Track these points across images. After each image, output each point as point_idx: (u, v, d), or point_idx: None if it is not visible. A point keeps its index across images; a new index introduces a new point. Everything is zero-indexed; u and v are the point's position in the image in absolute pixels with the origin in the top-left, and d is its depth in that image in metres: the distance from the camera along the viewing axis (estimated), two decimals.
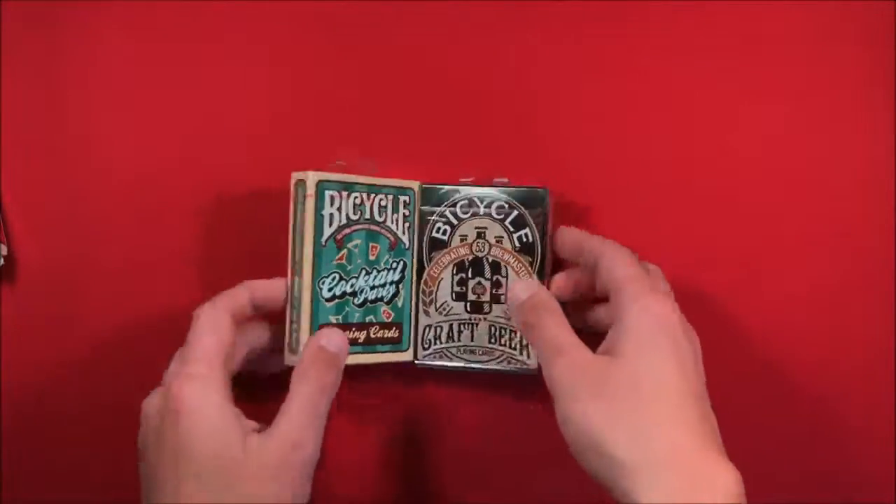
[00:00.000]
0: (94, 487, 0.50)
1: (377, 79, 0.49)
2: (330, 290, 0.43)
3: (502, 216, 0.45)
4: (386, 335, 0.45)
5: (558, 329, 0.40)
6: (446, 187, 0.46)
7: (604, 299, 0.43)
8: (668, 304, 0.39)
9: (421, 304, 0.46)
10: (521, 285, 0.43)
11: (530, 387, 0.45)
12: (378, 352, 0.45)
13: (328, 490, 0.46)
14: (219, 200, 0.49)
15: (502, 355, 0.45)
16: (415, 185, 0.46)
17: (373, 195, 0.44)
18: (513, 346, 0.45)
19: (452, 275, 0.46)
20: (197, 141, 0.50)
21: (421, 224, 0.46)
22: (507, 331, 0.45)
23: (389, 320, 0.46)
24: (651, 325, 0.38)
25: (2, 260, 0.49)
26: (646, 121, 0.47)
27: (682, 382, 0.37)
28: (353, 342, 0.44)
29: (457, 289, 0.46)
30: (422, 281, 0.46)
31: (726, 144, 0.47)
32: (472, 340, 0.45)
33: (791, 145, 0.47)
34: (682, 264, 0.46)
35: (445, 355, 0.46)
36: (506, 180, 0.45)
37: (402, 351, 0.46)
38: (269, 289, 0.44)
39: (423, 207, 0.46)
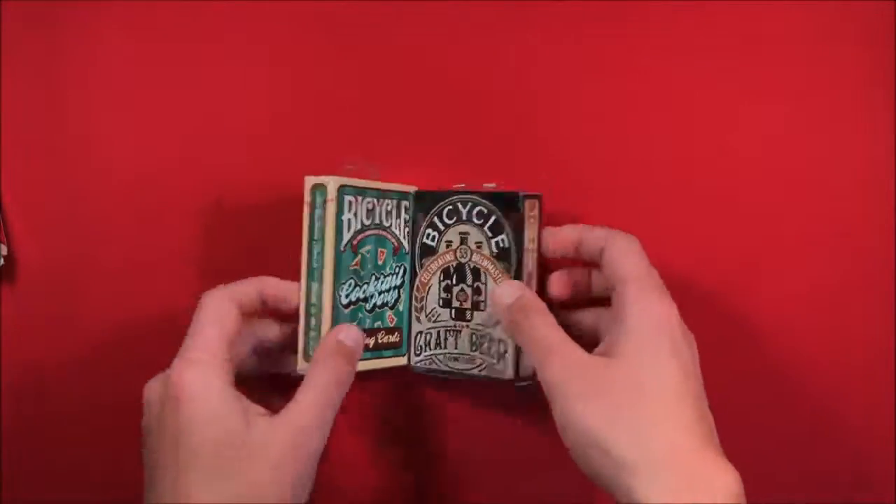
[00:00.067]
0: (94, 487, 0.50)
1: (377, 79, 0.49)
2: (347, 296, 0.43)
3: (482, 221, 0.44)
4: (390, 340, 0.45)
5: (548, 329, 0.40)
6: (435, 193, 0.46)
7: (598, 301, 0.43)
8: (670, 306, 0.39)
9: (414, 311, 0.46)
10: (506, 288, 0.42)
11: (529, 387, 0.45)
12: (382, 357, 0.45)
13: (330, 484, 0.46)
14: (218, 200, 0.49)
15: (483, 363, 0.44)
16: (413, 189, 0.46)
17: (381, 200, 0.44)
18: (491, 353, 0.44)
19: (440, 281, 0.45)
20: (197, 141, 0.50)
21: (413, 230, 0.46)
22: (487, 338, 0.44)
23: (393, 325, 0.46)
24: (652, 326, 0.38)
25: (2, 260, 0.49)
26: (646, 121, 0.47)
27: (682, 384, 0.37)
28: (364, 348, 0.43)
29: (443, 295, 0.45)
30: (414, 287, 0.46)
31: (726, 144, 0.47)
32: (455, 348, 0.45)
33: (791, 145, 0.47)
34: (682, 264, 0.46)
35: (434, 362, 0.46)
36: (493, 185, 0.44)
37: (401, 356, 0.46)
38: (280, 288, 0.43)
39: (416, 213, 0.46)
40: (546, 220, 0.45)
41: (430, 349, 0.46)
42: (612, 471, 0.35)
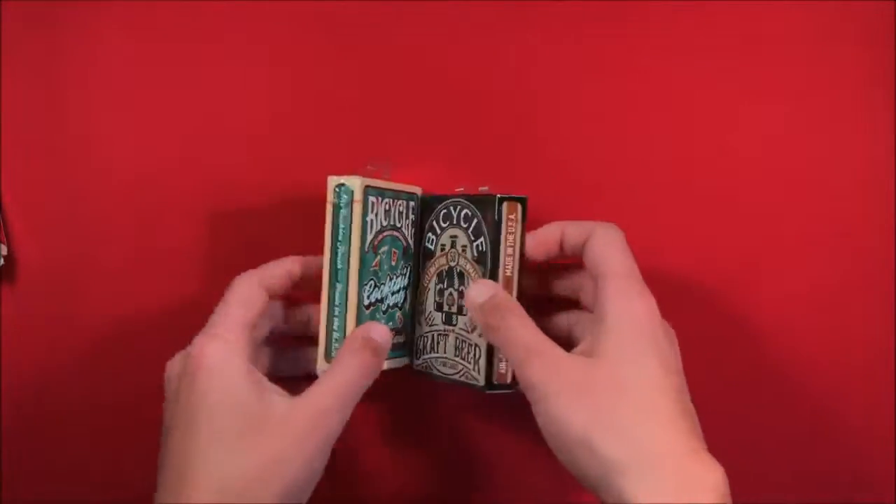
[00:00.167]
0: (94, 487, 0.50)
1: (377, 79, 0.49)
2: (369, 296, 0.43)
3: (467, 225, 0.44)
4: (399, 340, 0.45)
5: (525, 329, 0.39)
6: (434, 197, 0.46)
7: (573, 303, 0.43)
8: (650, 302, 0.38)
9: (415, 314, 0.46)
10: (478, 287, 0.42)
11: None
12: (391, 357, 0.45)
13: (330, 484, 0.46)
14: (219, 201, 0.49)
15: (462, 369, 0.44)
16: (418, 189, 0.46)
17: (396, 201, 0.44)
18: (468, 359, 0.43)
19: (435, 285, 0.45)
20: (197, 141, 0.50)
21: (417, 234, 0.46)
22: (467, 343, 0.43)
23: (401, 325, 0.46)
24: (632, 324, 0.38)
25: (2, 260, 0.49)
26: (646, 121, 0.47)
27: (664, 380, 0.37)
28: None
29: (437, 299, 0.45)
30: (417, 291, 0.46)
31: (726, 144, 0.47)
32: (444, 352, 0.45)
33: (791, 145, 0.47)
34: (682, 264, 0.46)
35: (430, 366, 0.45)
36: (486, 188, 0.44)
37: (407, 356, 0.46)
38: (310, 265, 0.44)
39: (420, 217, 0.46)
40: (546, 221, 0.44)
41: (427, 353, 0.45)
42: (599, 470, 0.35)
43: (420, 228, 0.46)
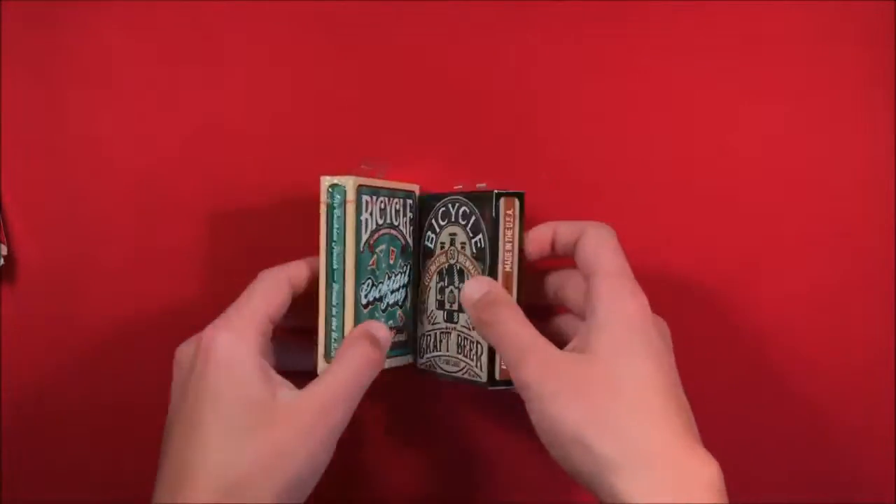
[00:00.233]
0: (94, 487, 0.50)
1: (377, 79, 0.49)
2: (366, 296, 0.43)
3: (465, 222, 0.44)
4: (399, 339, 0.45)
5: (519, 326, 0.39)
6: (432, 195, 0.46)
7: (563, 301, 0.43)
8: (641, 300, 0.38)
9: (418, 313, 0.46)
10: (473, 283, 0.42)
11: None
12: (391, 356, 0.45)
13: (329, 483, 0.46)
14: (219, 201, 0.49)
15: (465, 366, 0.44)
16: (416, 187, 0.46)
17: (391, 199, 0.44)
18: (470, 356, 0.43)
19: (436, 283, 0.45)
20: (197, 141, 0.50)
21: (416, 232, 0.46)
22: (469, 340, 0.44)
23: (402, 324, 0.46)
24: (625, 322, 0.38)
25: (2, 260, 0.49)
26: (646, 121, 0.47)
27: (658, 377, 0.37)
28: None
29: (438, 297, 0.45)
30: (419, 290, 0.46)
31: (726, 144, 0.47)
32: (447, 350, 0.45)
33: (791, 145, 0.47)
34: (682, 264, 0.46)
35: (433, 364, 0.45)
36: (484, 185, 0.44)
37: (408, 354, 0.46)
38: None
39: (420, 216, 0.46)
40: (546, 221, 0.44)
41: (430, 352, 0.45)
42: (594, 468, 0.35)
43: (419, 227, 0.46)
